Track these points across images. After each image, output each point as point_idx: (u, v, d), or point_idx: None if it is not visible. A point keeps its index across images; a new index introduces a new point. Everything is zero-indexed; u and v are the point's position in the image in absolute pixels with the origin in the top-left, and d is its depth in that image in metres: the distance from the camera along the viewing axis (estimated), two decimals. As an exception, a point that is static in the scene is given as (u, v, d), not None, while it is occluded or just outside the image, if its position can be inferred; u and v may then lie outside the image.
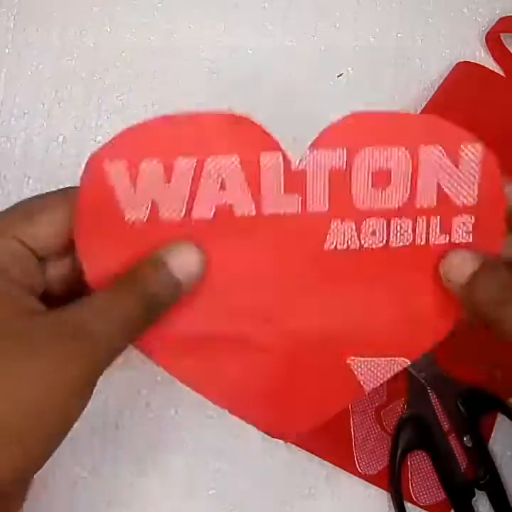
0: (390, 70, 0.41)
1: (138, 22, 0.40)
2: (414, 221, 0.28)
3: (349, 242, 0.28)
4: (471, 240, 0.28)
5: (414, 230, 0.28)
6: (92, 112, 0.40)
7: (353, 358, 0.29)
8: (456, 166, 0.27)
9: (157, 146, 0.27)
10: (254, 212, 0.27)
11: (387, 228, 0.28)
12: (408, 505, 0.38)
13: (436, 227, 0.28)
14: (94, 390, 0.39)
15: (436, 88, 0.41)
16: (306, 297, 0.29)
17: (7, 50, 0.40)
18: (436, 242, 0.28)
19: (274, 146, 0.27)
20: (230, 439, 0.39)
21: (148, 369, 0.39)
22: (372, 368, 0.29)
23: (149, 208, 0.27)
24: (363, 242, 0.28)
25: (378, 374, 0.29)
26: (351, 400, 0.32)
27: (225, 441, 0.39)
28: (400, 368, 0.29)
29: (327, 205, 0.28)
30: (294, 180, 0.27)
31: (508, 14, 0.42)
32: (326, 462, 0.38)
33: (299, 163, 0.27)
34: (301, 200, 0.27)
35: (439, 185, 0.28)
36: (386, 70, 0.41)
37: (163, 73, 0.40)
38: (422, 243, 0.28)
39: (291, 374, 0.29)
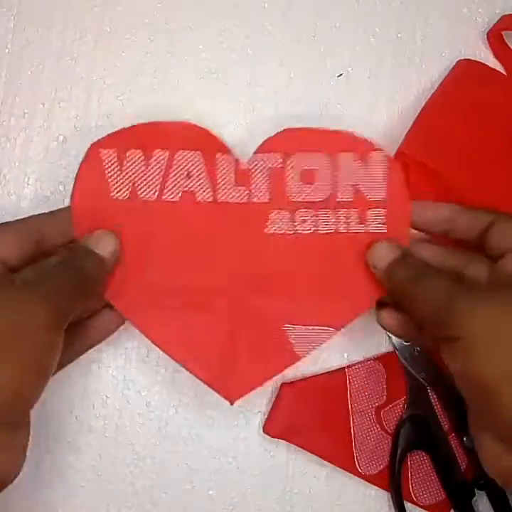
0: (390, 70, 0.41)
1: (138, 22, 0.40)
2: (336, 213, 0.35)
3: (285, 228, 0.35)
4: (385, 229, 0.34)
5: (336, 220, 0.35)
6: (92, 112, 0.40)
7: (287, 326, 0.35)
8: (368, 169, 0.35)
9: (140, 141, 0.35)
10: (211, 199, 0.35)
11: (315, 218, 0.35)
12: (408, 505, 0.38)
13: (354, 218, 0.35)
14: (94, 390, 0.39)
15: (436, 88, 0.41)
16: (249, 271, 0.35)
17: (7, 50, 0.40)
18: (356, 231, 0.35)
19: (228, 150, 0.35)
20: (230, 439, 0.39)
21: (148, 369, 0.39)
22: (303, 336, 0.35)
23: (130, 189, 0.35)
24: (296, 228, 0.35)
25: (309, 341, 0.35)
26: (288, 365, 0.35)
27: (225, 441, 0.39)
28: (327, 337, 0.35)
29: (268, 197, 0.35)
30: (243, 177, 0.35)
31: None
32: (326, 462, 0.38)
33: (246, 163, 0.35)
34: (248, 192, 0.35)
35: (355, 184, 0.35)
36: (386, 70, 0.41)
37: (163, 73, 0.40)
38: (344, 231, 0.35)
39: (235, 337, 0.35)
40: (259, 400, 0.39)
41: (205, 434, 0.38)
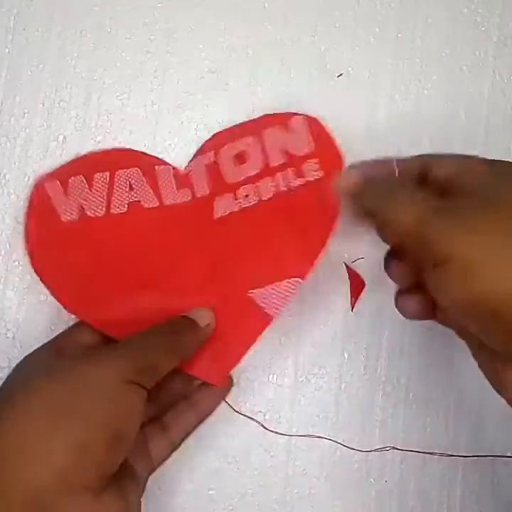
0: (390, 70, 0.41)
1: (138, 22, 0.40)
2: (274, 177, 0.37)
3: (231, 208, 0.37)
4: (321, 174, 0.37)
5: (276, 183, 0.37)
6: (92, 112, 0.40)
7: (252, 291, 0.36)
8: (291, 133, 0.38)
9: (80, 170, 0.37)
10: (157, 204, 0.37)
11: (256, 189, 0.37)
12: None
13: (292, 175, 0.37)
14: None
15: (436, 88, 0.41)
16: (207, 259, 0.37)
17: (7, 50, 0.40)
18: (296, 184, 0.37)
19: (165, 163, 0.38)
20: (230, 439, 0.39)
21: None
22: (271, 295, 0.36)
23: (78, 210, 0.37)
24: (241, 204, 0.37)
25: (278, 298, 0.36)
26: (263, 328, 0.36)
27: (225, 441, 0.39)
28: (295, 289, 0.36)
29: (208, 190, 0.38)
30: (183, 180, 0.38)
31: (508, 14, 0.42)
32: (326, 462, 0.38)
33: (184, 169, 0.39)
34: (190, 191, 0.38)
35: (283, 149, 0.37)
36: (386, 70, 0.41)
37: (163, 73, 0.40)
38: (285, 189, 0.37)
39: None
40: (259, 400, 0.39)
41: (205, 434, 0.38)
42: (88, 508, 0.27)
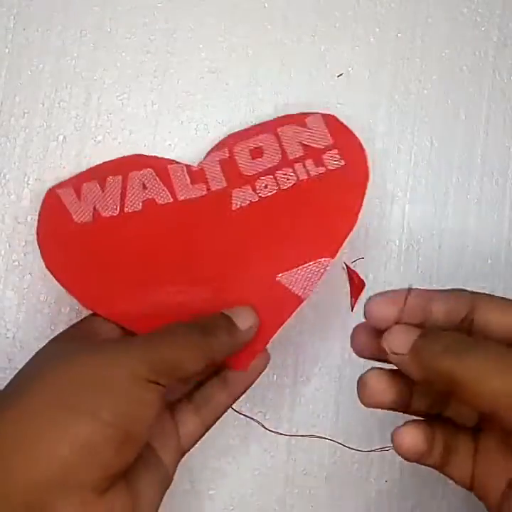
0: (390, 70, 0.41)
1: (138, 22, 0.40)
2: (293, 167, 0.37)
3: (250, 199, 0.37)
4: (343, 163, 0.37)
5: (295, 173, 0.37)
6: (92, 112, 0.40)
7: (279, 275, 0.36)
8: (308, 129, 0.37)
9: (92, 176, 0.37)
10: (172, 200, 0.37)
11: (275, 179, 0.37)
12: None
13: (311, 165, 0.37)
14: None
15: (436, 88, 0.41)
16: (228, 250, 0.36)
17: (7, 50, 0.40)
18: (318, 173, 0.37)
19: (178, 163, 0.38)
20: (230, 439, 0.39)
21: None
22: (299, 277, 0.35)
23: (92, 211, 0.36)
24: (260, 194, 0.37)
25: (307, 278, 0.35)
26: (293, 311, 0.35)
27: (225, 441, 0.39)
28: (324, 267, 0.35)
29: (225, 183, 0.37)
30: (197, 176, 0.37)
31: (508, 14, 0.42)
32: (325, 462, 0.38)
33: (197, 166, 0.38)
34: (205, 186, 0.37)
35: (300, 142, 0.37)
36: (386, 70, 0.41)
37: (163, 73, 0.40)
38: (305, 178, 0.36)
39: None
40: (259, 400, 0.39)
41: (205, 434, 0.38)
42: (89, 507, 0.26)
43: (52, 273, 0.36)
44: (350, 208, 0.36)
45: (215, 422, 0.33)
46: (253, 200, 0.37)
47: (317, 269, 0.36)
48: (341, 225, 0.36)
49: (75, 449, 0.25)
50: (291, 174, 0.37)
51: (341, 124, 0.37)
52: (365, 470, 0.39)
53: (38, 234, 0.36)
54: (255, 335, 0.33)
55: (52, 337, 0.35)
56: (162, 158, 0.38)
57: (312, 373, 0.39)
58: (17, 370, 0.31)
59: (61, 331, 0.36)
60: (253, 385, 0.38)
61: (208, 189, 0.37)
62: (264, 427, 0.38)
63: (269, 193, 0.37)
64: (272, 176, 0.37)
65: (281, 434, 0.38)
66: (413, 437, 0.27)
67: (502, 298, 0.28)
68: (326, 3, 0.41)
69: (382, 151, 0.41)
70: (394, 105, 0.41)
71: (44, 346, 0.32)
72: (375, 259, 0.40)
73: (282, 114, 0.38)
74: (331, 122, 0.37)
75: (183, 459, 0.38)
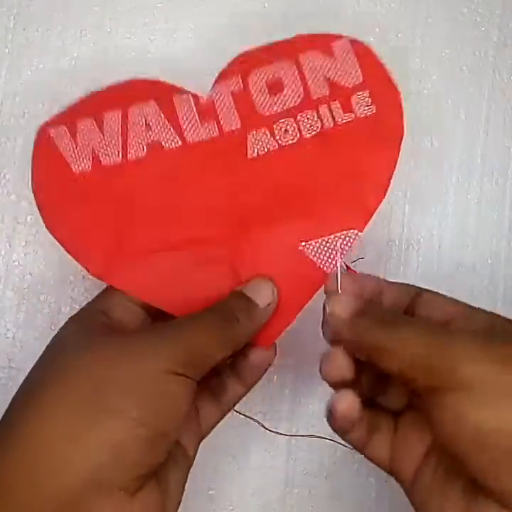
0: (390, 70, 0.41)
1: (138, 22, 0.40)
2: (317, 110, 0.32)
3: (268, 146, 0.33)
4: (374, 109, 0.32)
5: (320, 118, 0.32)
6: (92, 112, 0.40)
7: (303, 244, 0.32)
8: (335, 59, 0.33)
9: (89, 111, 0.33)
10: (180, 143, 0.33)
11: (296, 123, 0.32)
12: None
13: (338, 109, 0.32)
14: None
15: (436, 88, 0.41)
16: (245, 204, 0.33)
17: (7, 50, 0.40)
18: (345, 121, 0.32)
19: (184, 90, 0.33)
20: (230, 439, 0.39)
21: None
22: (325, 249, 0.32)
23: (91, 158, 0.33)
24: (279, 141, 0.33)
25: (332, 252, 0.32)
26: (319, 286, 0.32)
27: (225, 441, 0.39)
28: (352, 241, 0.32)
29: (239, 122, 0.33)
30: (207, 111, 0.33)
31: (508, 14, 0.42)
32: (325, 462, 0.38)
33: (206, 97, 0.33)
34: (217, 125, 0.33)
35: (326, 77, 0.32)
36: (386, 70, 0.41)
37: (163, 73, 0.40)
38: (331, 125, 0.32)
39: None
40: (259, 400, 0.39)
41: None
42: (123, 508, 0.25)
43: (54, 235, 0.33)
44: (382, 172, 0.32)
45: (230, 410, 0.33)
46: (272, 148, 0.33)
47: (345, 242, 0.32)
48: (372, 192, 0.32)
49: (106, 449, 0.25)
50: (315, 119, 0.32)
51: (372, 56, 0.33)
52: (366, 470, 0.39)
53: (33, 186, 0.33)
54: (279, 309, 0.32)
55: (52, 336, 0.35)
56: (165, 84, 0.34)
57: (312, 373, 0.39)
58: (17, 370, 0.31)
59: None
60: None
61: (221, 129, 0.33)
62: (264, 427, 0.38)
63: (290, 141, 0.33)
64: (292, 119, 0.33)
65: (281, 434, 0.38)
66: (350, 402, 0.28)
67: (444, 295, 0.30)
68: (326, 3, 0.41)
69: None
70: (394, 105, 0.41)
71: (63, 330, 0.30)
72: (375, 259, 0.40)
73: (303, 33, 0.33)
74: (362, 53, 0.32)
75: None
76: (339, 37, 0.33)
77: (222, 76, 0.33)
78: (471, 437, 0.25)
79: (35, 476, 0.25)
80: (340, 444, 0.39)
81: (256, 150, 0.33)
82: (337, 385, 0.29)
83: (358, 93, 0.32)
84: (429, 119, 0.41)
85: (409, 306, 0.31)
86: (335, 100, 0.32)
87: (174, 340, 0.27)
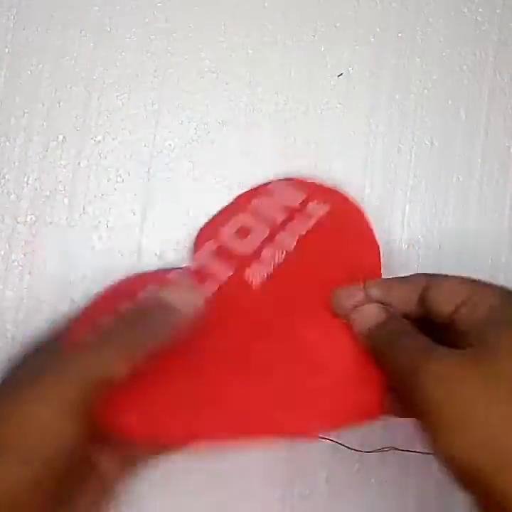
0: (390, 70, 0.41)
1: (138, 22, 0.40)
2: (285, 229, 0.36)
3: (265, 271, 0.35)
4: (328, 208, 0.36)
5: (292, 232, 0.36)
6: (92, 112, 0.40)
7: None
8: (275, 196, 0.38)
9: (104, 306, 0.34)
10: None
11: (277, 246, 0.36)
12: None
13: (302, 219, 0.36)
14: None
15: (436, 88, 0.41)
16: (259, 319, 0.34)
17: (7, 50, 0.40)
18: (312, 224, 0.36)
19: (174, 269, 0.35)
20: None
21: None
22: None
23: None
24: (272, 264, 0.35)
25: None
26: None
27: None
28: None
29: (231, 270, 0.35)
30: (200, 276, 0.35)
31: (508, 14, 0.42)
32: (326, 462, 0.38)
33: (194, 266, 0.36)
34: (215, 281, 0.35)
35: (277, 208, 0.37)
36: (386, 69, 0.41)
37: (163, 73, 0.40)
38: (304, 233, 0.36)
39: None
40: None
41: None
42: None
43: None
44: (367, 247, 0.36)
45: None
46: (269, 272, 0.35)
47: None
48: (366, 271, 0.35)
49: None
50: (290, 235, 0.36)
51: (299, 179, 0.38)
52: (366, 470, 0.39)
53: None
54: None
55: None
56: (157, 272, 0.36)
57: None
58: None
59: (60, 330, 0.36)
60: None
61: (219, 281, 0.35)
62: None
63: (280, 260, 0.36)
64: (272, 244, 0.36)
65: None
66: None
67: (452, 278, 0.32)
68: (326, 3, 0.41)
69: (382, 151, 0.41)
70: (394, 105, 0.41)
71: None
72: (375, 259, 0.40)
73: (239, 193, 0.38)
74: (291, 181, 0.38)
75: (183, 458, 0.38)
76: (272, 182, 0.38)
77: (197, 246, 0.37)
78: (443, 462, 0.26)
79: None
80: (340, 444, 0.39)
81: (258, 279, 0.35)
82: None
83: (309, 203, 0.37)
84: (429, 118, 0.41)
85: (420, 298, 0.32)
86: (296, 216, 0.37)
87: (76, 377, 0.26)
